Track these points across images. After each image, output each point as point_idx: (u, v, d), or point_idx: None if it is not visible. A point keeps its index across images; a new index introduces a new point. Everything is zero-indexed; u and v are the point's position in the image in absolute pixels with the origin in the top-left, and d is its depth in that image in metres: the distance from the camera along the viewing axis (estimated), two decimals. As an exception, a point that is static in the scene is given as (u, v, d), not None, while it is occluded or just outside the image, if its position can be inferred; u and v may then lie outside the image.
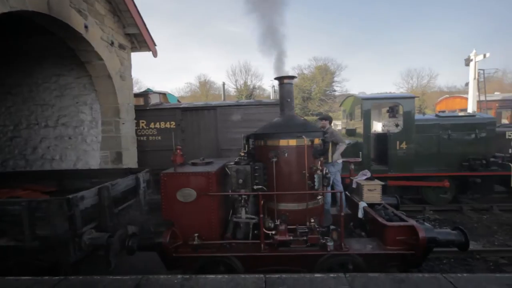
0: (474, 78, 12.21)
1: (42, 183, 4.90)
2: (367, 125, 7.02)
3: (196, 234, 3.49)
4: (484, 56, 11.97)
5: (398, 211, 4.00)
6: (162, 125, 6.94)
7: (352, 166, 4.81)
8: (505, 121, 12.60)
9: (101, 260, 3.30)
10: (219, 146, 6.74)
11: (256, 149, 4.13)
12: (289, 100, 4.10)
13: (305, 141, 3.66)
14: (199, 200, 3.57)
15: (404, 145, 6.87)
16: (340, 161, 5.08)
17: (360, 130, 7.25)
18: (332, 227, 3.67)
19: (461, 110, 12.19)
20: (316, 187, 3.67)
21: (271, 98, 22.30)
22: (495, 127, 7.51)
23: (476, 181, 6.95)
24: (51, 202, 3.04)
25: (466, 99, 12.93)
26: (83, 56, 5.78)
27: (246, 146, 4.29)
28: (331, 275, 2.70)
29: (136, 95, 7.27)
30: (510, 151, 7.47)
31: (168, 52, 69.97)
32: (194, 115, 6.94)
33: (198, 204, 3.59)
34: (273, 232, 3.52)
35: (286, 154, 3.76)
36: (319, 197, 3.91)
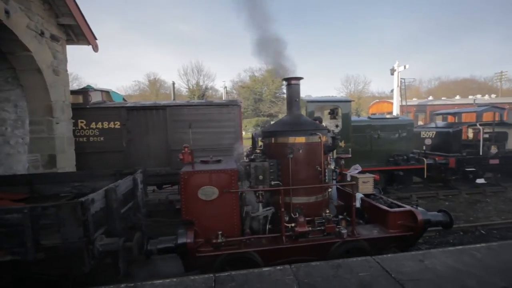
0: (397, 86, 14.25)
1: (9, 189, 4.26)
2: None
3: (219, 232, 3.43)
4: (404, 67, 14.10)
5: (389, 199, 4.53)
6: (105, 125, 6.41)
7: (343, 162, 5.05)
8: (420, 122, 14.96)
9: (102, 267, 3.04)
10: (169, 147, 6.55)
11: (270, 147, 4.23)
12: (297, 99, 4.31)
13: (321, 138, 3.92)
14: (221, 197, 3.56)
15: (343, 144, 7.67)
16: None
17: None
18: (340, 216, 3.98)
19: (388, 113, 14.07)
20: (326, 180, 4.02)
21: (223, 98, 22.31)
22: (413, 127, 8.92)
23: (399, 174, 8.16)
24: (63, 207, 2.73)
25: (392, 103, 14.98)
26: (5, 46, 5.04)
27: (256, 143, 4.43)
28: (278, 267, 2.88)
29: (74, 92, 6.58)
30: (424, 148, 8.94)
31: (114, 47, 64.39)
32: (142, 115, 6.61)
33: (220, 202, 3.57)
34: (293, 225, 3.64)
35: (300, 151, 3.96)
36: (330, 190, 4.29)
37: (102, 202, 3.18)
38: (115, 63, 69.41)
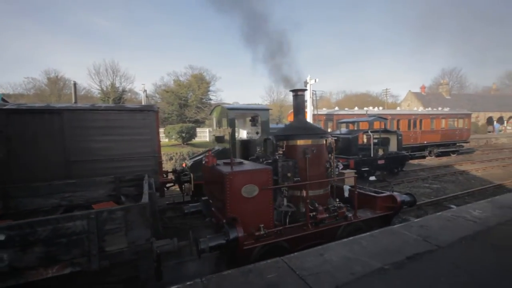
0: (310, 97, 16.03)
1: None
2: (233, 132, 7.79)
3: (261, 225, 3.86)
4: (315, 80, 16.03)
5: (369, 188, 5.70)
6: (-29, 132, 5.00)
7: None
8: (329, 129, 17.15)
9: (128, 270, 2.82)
10: (67, 157, 5.58)
11: (289, 149, 4.87)
12: (303, 108, 5.23)
13: (326, 140, 4.88)
14: (261, 194, 3.97)
15: (262, 150, 8.08)
16: None
17: (228, 137, 7.94)
18: (341, 204, 4.74)
19: (303, 121, 15.61)
20: (333, 176, 4.95)
21: (143, 103, 20.59)
22: None
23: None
24: (131, 209, 2.67)
25: (306, 112, 16.72)
26: None
27: (270, 146, 5.04)
28: (188, 283, 2.74)
29: None
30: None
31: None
32: (29, 119, 5.43)
33: (260, 198, 3.97)
34: (314, 213, 4.37)
35: (314, 151, 4.74)
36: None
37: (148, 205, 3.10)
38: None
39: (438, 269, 2.98)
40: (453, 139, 20.43)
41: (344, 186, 5.36)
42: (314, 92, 16.27)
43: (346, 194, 5.32)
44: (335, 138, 5.16)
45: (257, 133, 8.48)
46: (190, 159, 8.31)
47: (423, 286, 2.68)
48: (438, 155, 19.25)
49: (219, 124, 8.82)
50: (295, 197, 4.70)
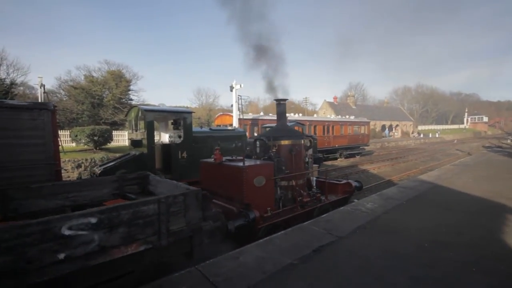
0: (235, 101, 16.34)
1: None
2: (151, 136, 7.21)
3: (268, 208, 5.07)
4: (240, 85, 16.44)
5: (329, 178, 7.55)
6: None
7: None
8: (255, 133, 17.81)
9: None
10: None
11: (279, 147, 5.89)
12: (284, 115, 6.49)
13: (304, 140, 6.30)
14: (267, 183, 5.07)
15: (184, 154, 7.73)
16: None
17: (145, 141, 7.30)
18: (318, 190, 6.48)
19: (230, 125, 15.78)
20: (309, 168, 6.53)
21: (41, 99, 17.18)
22: (246, 138, 10.38)
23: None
24: (189, 194, 3.17)
25: (232, 116, 16.96)
26: None
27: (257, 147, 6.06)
28: None
29: None
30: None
31: None
32: None
33: (266, 187, 5.07)
34: (300, 198, 5.79)
35: (298, 149, 6.01)
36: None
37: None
38: None
39: (337, 257, 3.37)
40: (357, 143, 24.04)
41: (313, 178, 6.91)
42: (239, 97, 16.66)
43: (314, 183, 6.79)
44: (310, 139, 6.67)
45: (179, 136, 8.08)
46: (101, 166, 7.29)
47: (324, 274, 2.97)
48: (347, 156, 22.30)
49: (135, 127, 8.05)
50: (284, 186, 5.74)
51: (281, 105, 6.32)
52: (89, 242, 2.47)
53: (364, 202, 5.80)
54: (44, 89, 16.74)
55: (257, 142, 6.14)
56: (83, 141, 16.32)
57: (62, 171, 7.42)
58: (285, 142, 5.92)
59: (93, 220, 2.51)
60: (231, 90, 16.72)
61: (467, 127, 70.78)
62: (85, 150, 16.97)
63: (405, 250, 3.54)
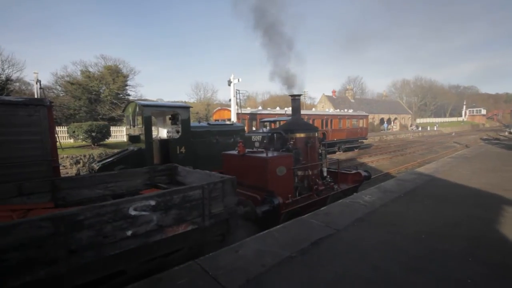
0: (234, 96, 16.26)
1: (35, 197, 3.87)
2: (148, 131, 7.19)
3: (289, 195, 5.43)
4: (238, 80, 16.33)
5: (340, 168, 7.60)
6: None
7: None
8: (254, 128, 17.78)
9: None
10: None
11: (296, 140, 6.25)
12: (299, 109, 6.82)
13: (318, 133, 6.68)
14: (288, 173, 5.47)
15: (183, 149, 7.72)
16: None
17: (144, 136, 7.28)
18: (331, 179, 6.83)
19: (228, 120, 15.74)
20: (322, 159, 6.84)
21: (38, 95, 17.05)
22: (245, 132, 10.36)
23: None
24: (226, 181, 3.58)
25: (230, 111, 16.89)
26: None
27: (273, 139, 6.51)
28: None
29: None
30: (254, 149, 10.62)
31: None
32: None
33: (287, 176, 5.47)
34: (316, 186, 6.15)
35: (313, 141, 6.41)
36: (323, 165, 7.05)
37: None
38: None
39: (335, 250, 3.40)
40: (356, 137, 24.07)
41: (323, 168, 7.11)
42: (238, 91, 16.57)
43: (325, 173, 7.10)
44: (323, 132, 7.49)
45: (177, 131, 8.06)
46: (99, 162, 7.28)
47: (322, 267, 3.00)
48: (345, 150, 22.35)
49: (133, 122, 8.02)
50: (301, 176, 6.10)
51: (296, 100, 6.73)
52: (149, 221, 2.88)
53: (363, 195, 5.83)
54: (40, 84, 16.57)
55: (275, 135, 6.58)
56: (81, 137, 16.26)
57: (61, 167, 7.41)
58: (301, 135, 6.32)
59: (153, 202, 2.90)
60: (229, 85, 16.62)
61: (465, 119, 70.93)
62: (83, 146, 16.92)
63: (403, 242, 3.58)
